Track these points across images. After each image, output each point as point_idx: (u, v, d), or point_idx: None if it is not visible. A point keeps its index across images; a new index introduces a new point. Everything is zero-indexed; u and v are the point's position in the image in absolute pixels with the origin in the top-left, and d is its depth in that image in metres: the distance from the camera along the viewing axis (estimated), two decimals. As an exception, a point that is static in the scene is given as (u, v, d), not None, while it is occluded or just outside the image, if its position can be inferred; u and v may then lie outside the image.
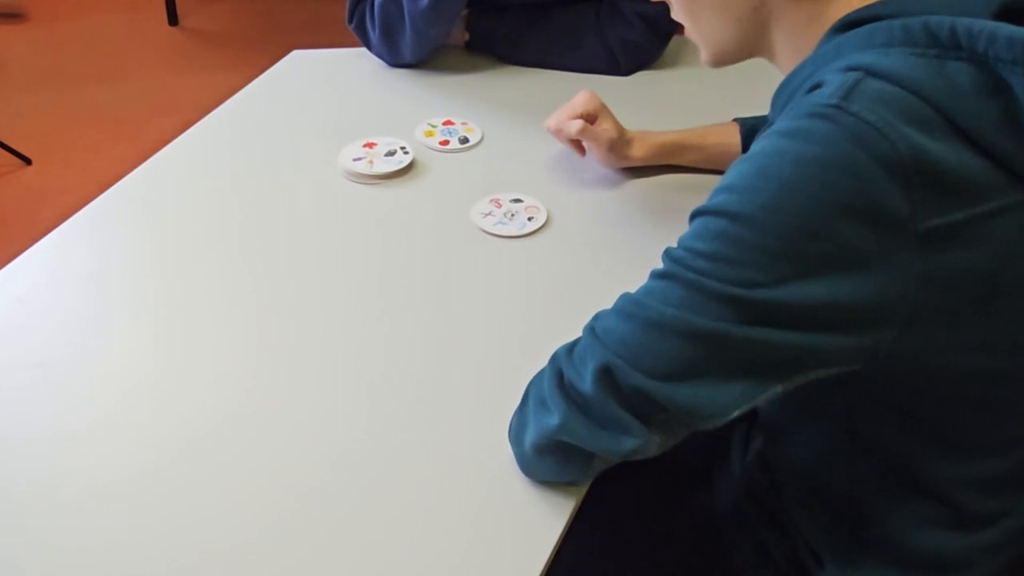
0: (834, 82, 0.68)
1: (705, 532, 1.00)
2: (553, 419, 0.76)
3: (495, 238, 1.14)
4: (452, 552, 0.78)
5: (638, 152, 1.24)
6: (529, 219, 1.16)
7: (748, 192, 0.68)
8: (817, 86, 0.70)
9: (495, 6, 1.50)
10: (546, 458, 0.80)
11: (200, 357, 0.97)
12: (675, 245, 0.73)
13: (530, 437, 0.80)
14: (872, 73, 0.67)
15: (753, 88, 1.27)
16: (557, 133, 1.24)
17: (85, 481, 0.84)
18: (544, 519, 0.81)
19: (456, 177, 1.26)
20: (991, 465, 0.80)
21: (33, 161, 2.74)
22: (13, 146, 2.70)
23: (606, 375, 0.72)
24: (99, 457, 0.86)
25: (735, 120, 1.24)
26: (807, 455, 0.87)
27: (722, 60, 0.86)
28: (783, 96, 0.79)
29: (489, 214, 1.17)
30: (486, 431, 0.87)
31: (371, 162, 1.25)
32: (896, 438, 0.79)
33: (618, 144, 1.23)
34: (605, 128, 1.22)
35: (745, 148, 1.21)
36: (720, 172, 1.22)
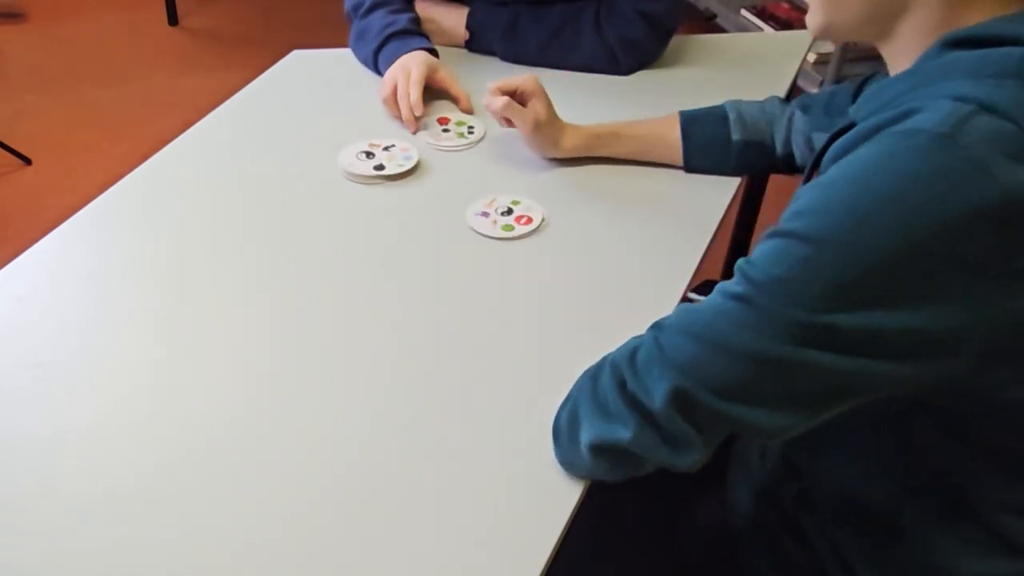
0: (942, 110, 0.65)
1: (717, 540, 0.99)
2: (625, 433, 0.75)
3: (490, 240, 1.13)
4: (451, 552, 0.78)
5: (570, 141, 1.25)
6: (524, 221, 1.15)
7: (833, 217, 0.66)
8: (911, 112, 0.67)
9: (494, 4, 1.49)
10: (600, 460, 0.79)
11: (200, 357, 0.97)
12: (747, 262, 0.72)
13: (588, 437, 0.79)
14: (985, 107, 0.65)
15: (752, 89, 1.27)
16: (487, 106, 1.25)
17: (85, 482, 0.84)
18: (543, 518, 0.81)
19: (453, 178, 1.25)
20: None
21: (33, 161, 2.73)
22: (13, 146, 2.70)
23: (680, 396, 0.71)
24: (99, 458, 0.86)
25: (680, 112, 1.25)
26: (850, 470, 0.85)
27: (835, 34, 0.82)
28: (876, 100, 0.76)
29: (485, 215, 1.16)
30: (486, 431, 0.87)
31: (375, 161, 1.25)
32: (950, 460, 0.78)
33: (545, 128, 1.23)
34: (535, 110, 1.22)
35: (685, 137, 1.22)
36: (656, 163, 1.24)
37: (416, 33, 1.45)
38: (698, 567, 1.01)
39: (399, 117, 1.35)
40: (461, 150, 1.31)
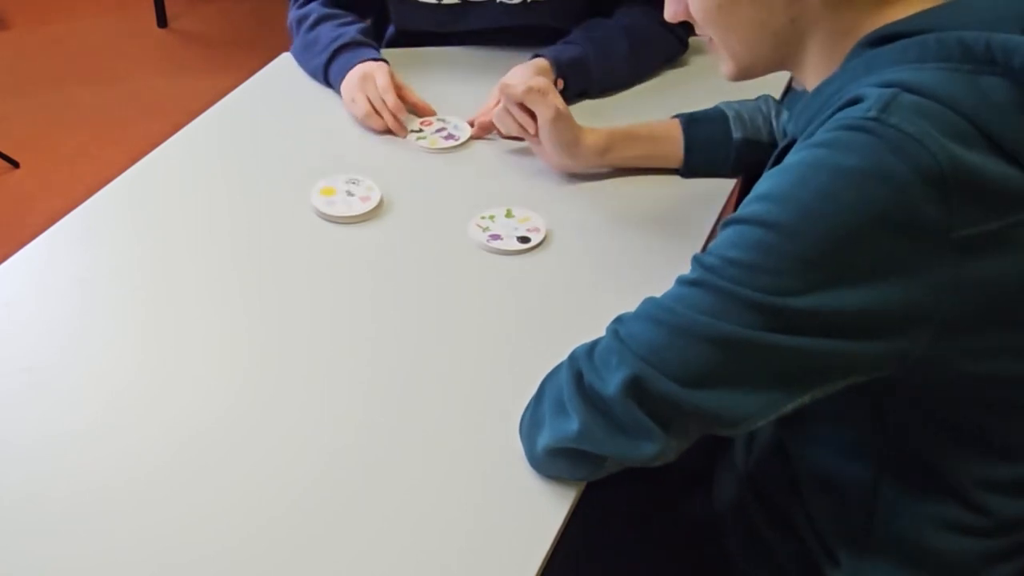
0: (872, 96, 0.68)
1: (704, 534, 1.00)
2: (572, 425, 0.76)
3: (494, 255, 1.12)
4: (448, 552, 0.78)
5: (590, 138, 1.20)
6: (529, 235, 1.13)
7: (785, 201, 0.68)
8: (854, 100, 0.70)
9: (582, 61, 1.41)
10: (558, 460, 0.80)
11: (188, 361, 0.97)
12: (703, 252, 0.73)
13: (544, 439, 0.80)
14: (908, 88, 0.68)
15: (746, 90, 1.27)
16: (502, 90, 1.19)
17: (74, 486, 0.83)
18: (541, 518, 0.81)
19: (456, 190, 1.23)
20: (1021, 468, 0.79)
21: (21, 164, 2.72)
22: (0, 149, 2.68)
23: (635, 384, 0.72)
24: (88, 462, 0.85)
25: (675, 116, 1.24)
26: (829, 449, 0.86)
27: (750, 74, 0.85)
28: (809, 110, 0.78)
29: (487, 230, 1.14)
30: (483, 436, 0.87)
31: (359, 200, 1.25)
32: (924, 439, 0.79)
33: (567, 120, 1.18)
34: (554, 101, 1.17)
35: (687, 137, 1.21)
36: (665, 168, 1.23)
37: (365, 44, 1.42)
38: (687, 563, 1.01)
39: (383, 129, 1.33)
40: (461, 158, 1.30)
